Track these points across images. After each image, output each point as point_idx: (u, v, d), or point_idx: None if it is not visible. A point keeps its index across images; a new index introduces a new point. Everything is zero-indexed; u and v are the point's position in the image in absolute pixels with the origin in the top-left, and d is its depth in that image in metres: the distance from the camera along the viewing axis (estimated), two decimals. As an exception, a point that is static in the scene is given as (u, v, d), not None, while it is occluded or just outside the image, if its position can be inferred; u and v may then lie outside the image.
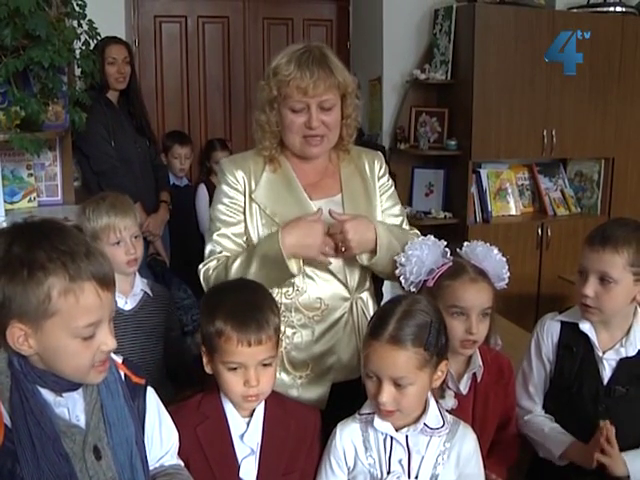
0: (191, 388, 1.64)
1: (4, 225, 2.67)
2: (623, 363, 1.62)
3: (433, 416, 1.42)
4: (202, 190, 3.84)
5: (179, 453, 1.38)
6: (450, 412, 1.50)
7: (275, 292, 1.68)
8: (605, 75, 4.17)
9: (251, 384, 1.39)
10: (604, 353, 1.63)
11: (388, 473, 1.40)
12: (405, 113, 4.23)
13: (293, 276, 1.64)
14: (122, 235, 1.89)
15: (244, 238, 1.72)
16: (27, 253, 1.05)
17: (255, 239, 1.70)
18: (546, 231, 4.21)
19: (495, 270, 1.62)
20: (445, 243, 1.66)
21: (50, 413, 1.12)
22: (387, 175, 1.86)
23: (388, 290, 2.71)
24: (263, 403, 1.46)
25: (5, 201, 2.88)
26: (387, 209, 1.83)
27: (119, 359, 1.28)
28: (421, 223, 3.88)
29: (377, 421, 1.40)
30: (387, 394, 1.35)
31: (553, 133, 4.14)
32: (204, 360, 1.45)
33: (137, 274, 2.00)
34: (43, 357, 1.10)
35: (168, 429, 1.34)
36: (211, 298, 1.49)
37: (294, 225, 1.62)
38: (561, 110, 4.13)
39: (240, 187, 1.73)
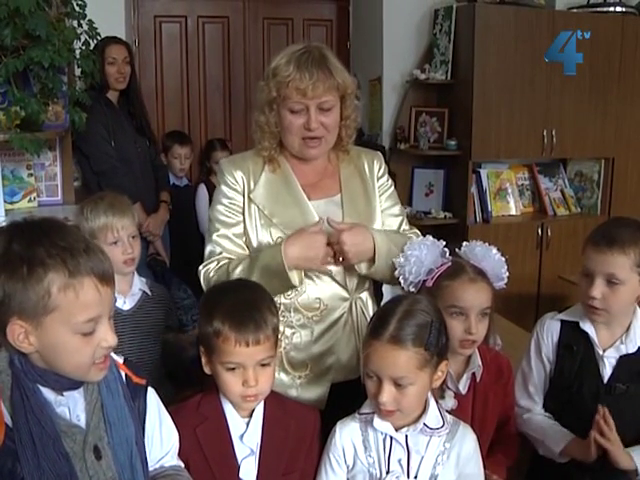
0: (191, 388, 1.64)
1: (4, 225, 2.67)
2: (623, 360, 1.63)
3: (433, 416, 1.42)
4: (202, 190, 3.84)
5: (179, 454, 1.38)
6: (450, 412, 1.50)
7: (275, 292, 1.69)
8: (605, 75, 4.17)
9: (249, 384, 1.39)
10: (604, 351, 1.64)
11: (387, 473, 1.40)
12: (405, 113, 4.23)
13: (294, 287, 1.64)
14: (120, 235, 1.90)
15: (243, 239, 1.72)
16: (26, 250, 1.05)
17: (254, 240, 1.70)
18: (546, 231, 4.21)
19: (494, 270, 1.62)
20: (444, 243, 1.66)
21: (51, 412, 1.12)
22: (386, 175, 1.86)
23: (388, 290, 2.71)
24: (262, 403, 1.46)
25: (5, 201, 2.88)
26: (386, 209, 1.83)
27: (120, 359, 1.28)
28: (421, 223, 3.88)
29: (377, 421, 1.40)
30: (387, 394, 1.35)
31: (553, 133, 4.14)
32: (203, 360, 1.45)
33: (135, 274, 2.00)
34: (43, 354, 1.10)
35: (168, 430, 1.34)
36: (209, 298, 1.49)
37: (297, 237, 1.62)
38: (561, 110, 4.13)
39: (239, 187, 1.73)
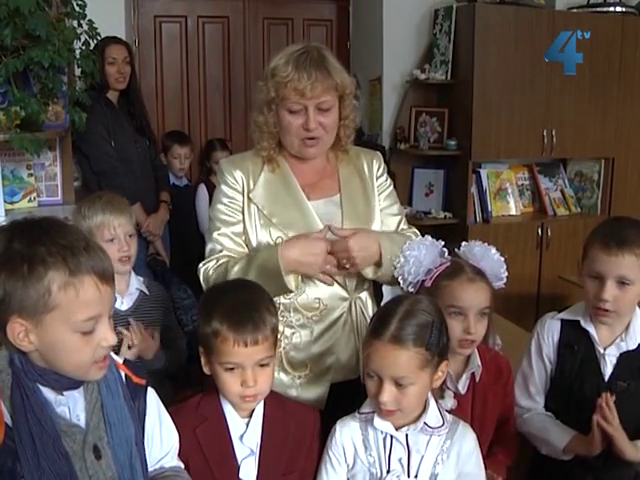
0: (191, 388, 1.64)
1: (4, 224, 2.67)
2: (624, 358, 1.63)
3: (433, 415, 1.42)
4: (202, 190, 3.84)
5: (179, 454, 1.38)
6: (449, 412, 1.50)
7: (274, 292, 1.69)
8: (605, 75, 4.17)
9: (248, 384, 1.39)
10: (605, 349, 1.65)
11: (388, 472, 1.40)
12: (405, 113, 4.23)
13: (290, 291, 1.63)
14: (116, 232, 1.91)
15: (243, 237, 1.72)
16: (27, 248, 1.05)
17: (253, 239, 1.70)
18: (546, 231, 4.21)
19: (493, 270, 1.62)
20: (442, 243, 1.66)
21: (51, 412, 1.12)
22: (385, 175, 1.86)
23: (388, 290, 2.71)
24: (262, 403, 1.46)
25: (5, 201, 2.88)
26: (385, 208, 1.83)
27: (120, 359, 1.28)
28: (421, 223, 3.89)
29: (377, 420, 1.40)
30: (388, 394, 1.35)
31: (553, 133, 4.14)
32: (202, 361, 1.45)
33: (132, 273, 2.00)
34: (43, 353, 1.10)
35: (168, 430, 1.34)
36: (208, 298, 1.49)
37: (297, 240, 1.62)
38: (561, 110, 4.13)
39: (239, 187, 1.73)
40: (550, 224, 4.25)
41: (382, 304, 1.72)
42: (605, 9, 4.24)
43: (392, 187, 1.88)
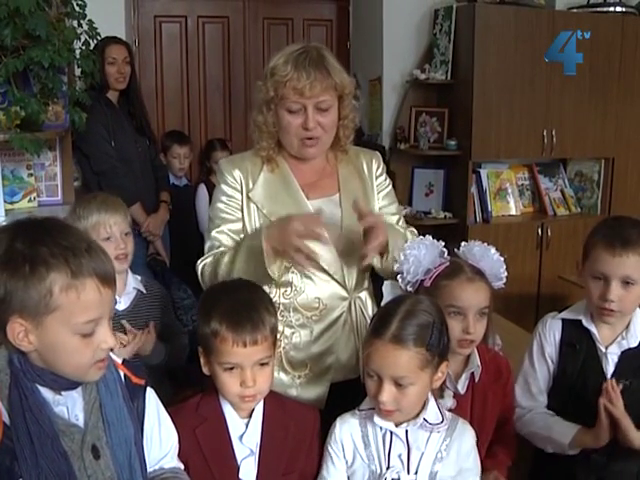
0: (191, 388, 1.64)
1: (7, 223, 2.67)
2: (625, 356, 1.64)
3: (432, 412, 1.43)
4: (202, 190, 3.84)
5: (178, 455, 1.38)
6: (449, 411, 1.50)
7: (273, 292, 1.69)
8: (605, 75, 4.17)
9: (247, 384, 1.39)
10: (607, 348, 1.65)
11: (387, 468, 1.40)
12: (405, 113, 4.23)
13: (272, 278, 1.61)
14: (112, 230, 1.91)
15: (242, 235, 1.72)
16: (29, 249, 1.05)
17: (253, 238, 1.70)
18: (546, 231, 4.21)
19: (492, 270, 1.62)
20: (442, 244, 1.66)
21: (49, 412, 1.12)
22: (385, 174, 1.86)
23: (388, 290, 2.71)
24: (262, 403, 1.46)
25: (5, 201, 2.88)
26: (384, 207, 1.83)
27: (119, 359, 1.28)
28: (421, 223, 3.89)
29: (377, 417, 1.40)
30: (387, 393, 1.35)
31: (553, 133, 4.14)
32: (201, 361, 1.45)
33: (129, 272, 2.00)
34: (43, 354, 1.10)
35: (167, 430, 1.34)
36: (207, 298, 1.49)
37: (280, 219, 1.62)
38: (561, 110, 4.13)
39: (238, 186, 1.73)
40: (550, 224, 4.25)
41: (382, 304, 1.72)
42: (605, 9, 4.24)
43: (391, 187, 1.88)
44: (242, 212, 1.72)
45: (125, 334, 1.88)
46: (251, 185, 1.73)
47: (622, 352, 1.64)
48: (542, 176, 4.47)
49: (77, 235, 1.11)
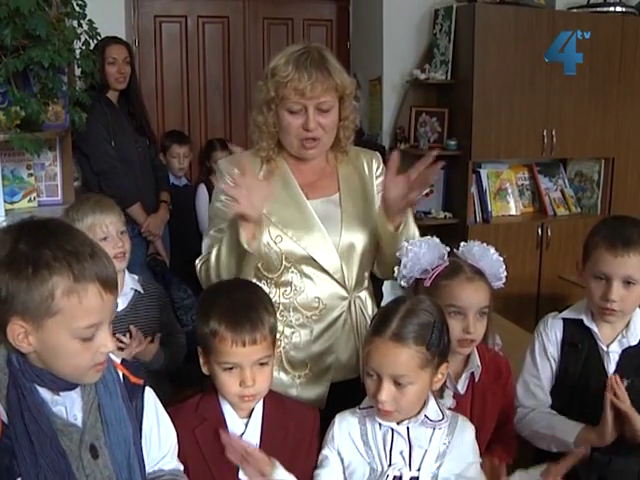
0: (191, 388, 1.64)
1: (4, 225, 2.67)
2: (626, 354, 1.64)
3: (433, 410, 1.43)
4: (202, 190, 3.84)
5: (178, 455, 1.38)
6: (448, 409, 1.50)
7: (273, 292, 1.69)
8: (605, 75, 4.17)
9: (247, 384, 1.39)
10: (608, 346, 1.65)
11: (389, 466, 1.40)
12: (405, 113, 4.23)
13: (246, 250, 1.54)
14: (108, 230, 1.92)
15: None
16: (33, 251, 1.05)
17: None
18: (546, 231, 4.21)
19: (492, 269, 1.62)
20: (443, 245, 1.66)
21: (47, 411, 1.12)
22: (384, 175, 1.86)
23: (388, 290, 2.71)
24: (261, 403, 1.46)
25: (5, 201, 2.88)
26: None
27: (118, 359, 1.28)
28: (421, 223, 3.87)
29: (378, 415, 1.40)
30: (387, 392, 1.35)
31: (553, 133, 4.14)
32: (201, 361, 1.45)
33: (127, 272, 2.00)
34: (42, 355, 1.10)
35: (166, 430, 1.33)
36: (206, 298, 1.49)
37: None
38: (561, 110, 4.13)
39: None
40: (550, 224, 4.25)
41: (382, 304, 1.72)
42: (605, 9, 4.24)
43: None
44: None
45: (125, 335, 1.88)
46: (250, 185, 1.72)
47: (623, 350, 1.65)
48: (542, 176, 4.47)
49: (81, 239, 1.11)
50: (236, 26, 4.41)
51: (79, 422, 1.17)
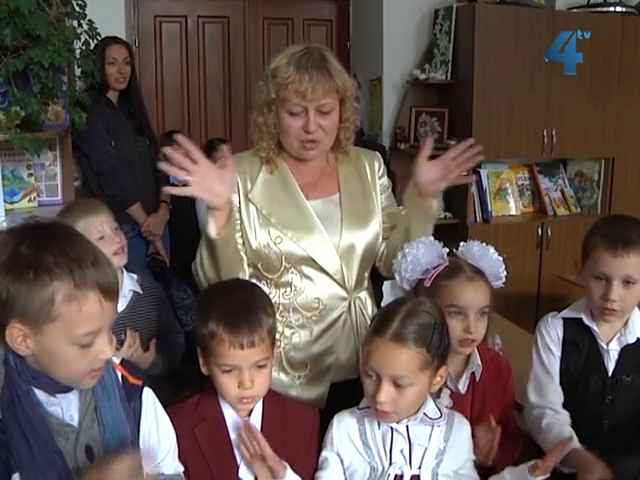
0: (190, 388, 1.64)
1: (4, 225, 2.67)
2: (626, 352, 1.65)
3: (431, 408, 1.43)
4: (202, 190, 3.83)
5: (177, 455, 1.37)
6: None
7: (273, 292, 1.69)
8: (605, 75, 4.17)
9: (245, 386, 1.38)
10: (607, 344, 1.66)
11: (390, 465, 1.40)
12: (405, 113, 4.23)
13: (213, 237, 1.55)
14: (103, 229, 1.93)
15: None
16: (35, 255, 1.05)
17: (252, 239, 1.69)
18: (546, 231, 4.21)
19: (492, 269, 1.62)
20: (442, 244, 1.66)
21: (42, 412, 1.13)
22: (386, 175, 1.87)
23: (388, 290, 2.71)
24: (261, 403, 1.46)
25: (5, 201, 2.88)
26: (386, 207, 1.83)
27: (117, 360, 1.28)
28: (421, 223, 3.88)
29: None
30: (386, 393, 1.35)
31: (553, 133, 4.14)
32: (200, 361, 1.45)
33: (125, 273, 2.00)
34: (39, 359, 1.10)
35: (166, 431, 1.33)
36: (205, 299, 1.49)
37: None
38: (561, 110, 4.13)
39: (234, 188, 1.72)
40: (550, 224, 4.25)
41: (382, 304, 1.72)
42: (605, 9, 4.24)
43: (391, 188, 1.89)
44: (240, 213, 1.71)
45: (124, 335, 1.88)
46: (249, 186, 1.72)
47: (622, 348, 1.65)
48: (542, 176, 4.47)
49: (84, 246, 1.11)
50: (236, 26, 4.41)
51: (75, 422, 1.17)
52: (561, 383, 1.70)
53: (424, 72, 4.09)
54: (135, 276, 2.05)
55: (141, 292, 2.01)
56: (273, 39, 4.46)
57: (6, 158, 2.95)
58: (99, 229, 1.92)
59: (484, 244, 1.67)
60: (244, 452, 1.38)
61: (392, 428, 1.41)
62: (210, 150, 4.05)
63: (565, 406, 1.68)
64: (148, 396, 1.29)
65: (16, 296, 1.04)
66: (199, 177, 1.49)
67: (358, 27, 4.51)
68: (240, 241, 1.71)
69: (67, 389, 1.15)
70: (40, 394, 1.14)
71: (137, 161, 3.35)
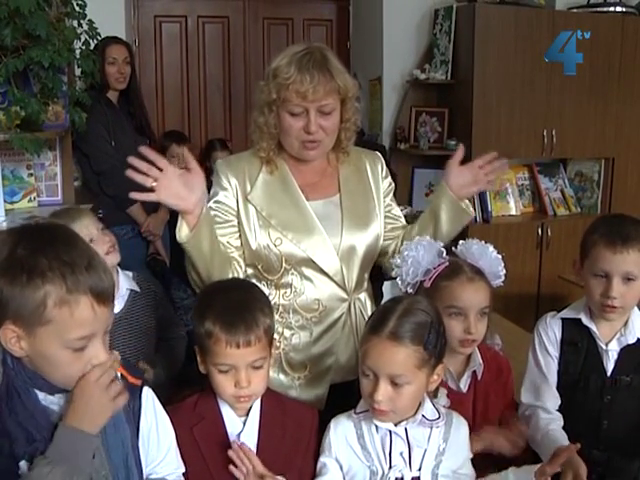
0: (190, 388, 1.64)
1: (4, 225, 2.67)
2: (625, 352, 1.65)
3: (429, 409, 1.43)
4: (202, 190, 3.83)
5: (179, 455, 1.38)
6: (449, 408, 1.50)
7: (273, 293, 1.69)
8: (605, 75, 4.17)
9: (242, 385, 1.38)
10: (607, 344, 1.65)
11: (389, 468, 1.40)
12: (405, 113, 4.23)
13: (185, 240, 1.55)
14: (90, 231, 1.92)
15: (228, 238, 1.70)
16: (29, 258, 1.05)
17: (252, 241, 1.69)
18: (546, 231, 4.21)
19: (491, 268, 1.62)
20: (441, 243, 1.66)
21: (41, 410, 1.13)
22: (389, 176, 1.86)
23: (388, 290, 2.72)
24: (259, 402, 1.46)
25: (5, 201, 2.88)
26: (390, 209, 1.84)
27: (116, 359, 1.28)
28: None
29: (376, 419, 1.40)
30: (383, 392, 1.34)
31: (553, 133, 4.14)
32: (198, 360, 1.45)
33: (120, 272, 1.99)
34: (33, 361, 1.11)
35: (165, 430, 1.33)
36: (202, 299, 1.49)
37: None
38: (561, 110, 4.13)
39: (231, 190, 1.71)
40: (550, 224, 4.25)
41: (382, 303, 1.71)
42: (605, 9, 4.23)
43: (393, 188, 1.89)
44: (239, 215, 1.71)
45: (122, 340, 1.88)
46: (249, 188, 1.71)
47: (621, 349, 1.65)
48: (542, 176, 4.47)
49: (80, 250, 1.10)
50: (236, 26, 4.41)
51: None
52: (560, 383, 1.70)
53: (424, 72, 4.09)
54: (130, 274, 2.04)
55: (138, 290, 2.00)
56: (273, 39, 4.45)
57: (6, 158, 2.95)
58: (86, 233, 1.90)
59: (482, 242, 1.67)
60: (235, 471, 1.37)
61: (391, 431, 1.40)
62: (210, 150, 4.06)
63: (564, 406, 1.68)
64: (148, 396, 1.29)
65: (10, 298, 1.05)
66: (166, 182, 1.52)
67: (358, 27, 4.51)
68: (225, 240, 1.70)
69: (63, 390, 1.15)
70: (39, 393, 1.14)
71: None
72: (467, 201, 1.83)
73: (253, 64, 4.40)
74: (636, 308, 1.68)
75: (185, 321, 2.76)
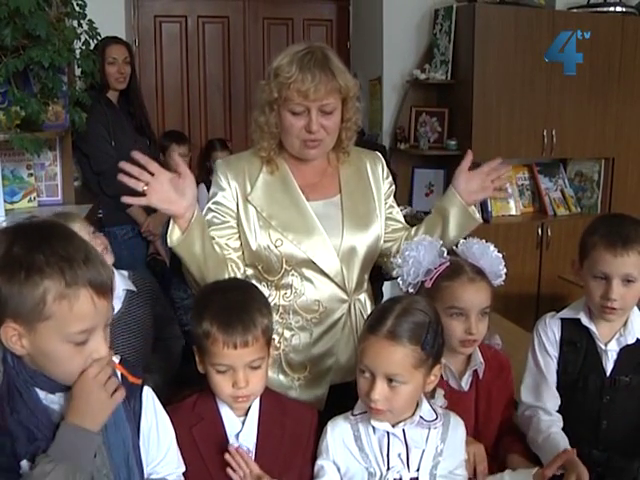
0: (189, 387, 1.64)
1: (4, 225, 2.67)
2: (624, 352, 1.64)
3: (426, 410, 1.43)
4: (202, 190, 3.82)
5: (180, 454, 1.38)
6: (449, 409, 1.50)
7: (273, 294, 1.69)
8: (605, 75, 4.17)
9: (239, 385, 1.38)
10: (606, 345, 1.65)
11: (388, 469, 1.40)
12: (405, 113, 4.23)
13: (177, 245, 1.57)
14: (81, 235, 1.90)
15: (226, 240, 1.70)
16: (26, 255, 1.05)
17: (252, 241, 1.69)
18: (546, 231, 4.21)
19: (492, 267, 1.62)
20: (441, 242, 1.66)
21: (42, 409, 1.13)
22: (390, 177, 1.86)
23: (388, 291, 2.72)
24: (258, 401, 1.46)
25: (5, 201, 2.88)
26: (391, 210, 1.84)
27: (116, 359, 1.28)
28: (421, 223, 3.88)
29: (374, 420, 1.40)
30: (380, 391, 1.34)
31: (553, 133, 4.14)
32: (197, 360, 1.45)
33: (116, 273, 1.98)
34: (34, 358, 1.11)
35: (165, 430, 1.33)
36: (200, 299, 1.49)
37: None
38: (561, 110, 4.13)
39: (230, 191, 1.71)
40: (550, 224, 4.25)
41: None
42: (605, 9, 4.23)
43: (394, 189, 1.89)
44: (239, 215, 1.70)
45: (121, 340, 1.87)
46: (249, 188, 1.71)
47: (621, 349, 1.65)
48: (542, 176, 4.47)
49: (76, 244, 1.11)
50: (236, 26, 4.41)
51: None
52: (559, 383, 1.70)
53: (424, 72, 4.09)
54: (126, 273, 2.04)
55: (135, 289, 2.00)
56: (273, 39, 4.45)
57: (6, 158, 2.95)
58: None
59: (483, 241, 1.67)
60: (232, 475, 1.37)
61: (388, 432, 1.40)
62: (210, 150, 4.06)
63: (564, 406, 1.68)
64: (148, 395, 1.29)
65: (9, 296, 1.05)
66: (157, 186, 1.54)
67: (358, 27, 4.51)
68: (224, 242, 1.69)
69: (66, 388, 1.15)
70: (39, 392, 1.14)
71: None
72: (474, 207, 1.83)
73: (253, 64, 4.41)
74: (636, 308, 1.68)
75: (185, 321, 2.76)
